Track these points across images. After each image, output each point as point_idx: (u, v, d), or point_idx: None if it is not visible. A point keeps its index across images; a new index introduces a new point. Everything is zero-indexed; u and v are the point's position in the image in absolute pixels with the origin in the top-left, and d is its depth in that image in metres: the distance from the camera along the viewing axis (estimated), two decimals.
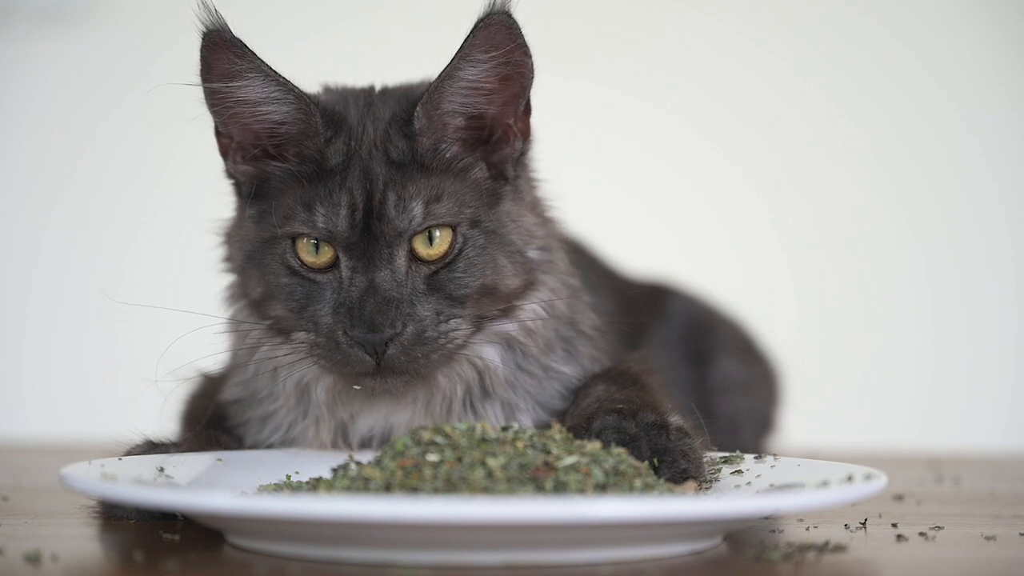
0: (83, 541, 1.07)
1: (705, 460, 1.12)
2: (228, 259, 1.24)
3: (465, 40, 1.10)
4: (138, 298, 2.24)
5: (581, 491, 0.97)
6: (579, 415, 1.15)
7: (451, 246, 1.14)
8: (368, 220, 1.12)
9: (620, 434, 1.10)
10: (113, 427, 1.33)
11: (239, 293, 1.21)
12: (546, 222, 1.24)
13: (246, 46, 1.11)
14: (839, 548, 1.01)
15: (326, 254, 1.14)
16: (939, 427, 2.22)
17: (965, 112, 2.47)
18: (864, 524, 1.11)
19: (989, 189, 2.47)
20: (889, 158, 2.48)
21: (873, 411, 2.34)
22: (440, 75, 1.12)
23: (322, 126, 1.14)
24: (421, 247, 1.13)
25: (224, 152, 1.20)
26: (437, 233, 1.13)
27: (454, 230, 1.14)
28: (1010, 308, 2.45)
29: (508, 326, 1.18)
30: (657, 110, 2.29)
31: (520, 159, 1.19)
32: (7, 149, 2.45)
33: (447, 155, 1.14)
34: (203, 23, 1.11)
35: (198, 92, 1.16)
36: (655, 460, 1.08)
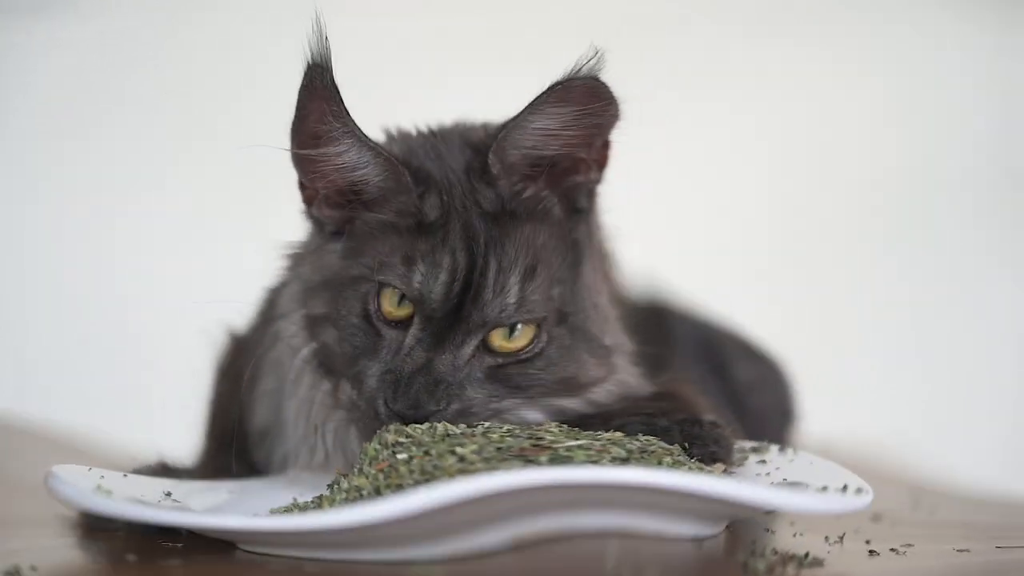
0: (63, 550, 1.06)
1: (736, 447, 1.15)
2: (294, 272, 1.21)
3: (538, 96, 1.08)
4: (136, 290, 2.30)
5: (594, 463, 0.99)
6: (597, 416, 1.15)
7: (531, 342, 1.11)
8: (463, 296, 1.08)
9: (648, 427, 1.11)
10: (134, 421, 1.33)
11: (300, 301, 1.19)
12: (611, 286, 1.23)
13: (342, 103, 1.09)
14: (816, 562, 1.05)
15: (406, 309, 1.11)
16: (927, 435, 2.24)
17: (964, 111, 2.51)
18: (842, 539, 1.16)
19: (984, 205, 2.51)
20: (883, 159, 2.52)
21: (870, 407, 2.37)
22: (507, 124, 1.10)
23: (412, 184, 1.12)
24: (497, 339, 1.11)
25: (308, 202, 1.18)
26: (519, 328, 1.11)
27: (539, 326, 1.11)
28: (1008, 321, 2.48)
29: (570, 402, 1.16)
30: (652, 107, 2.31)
31: (593, 189, 1.17)
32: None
33: (527, 194, 1.13)
34: (310, 54, 1.08)
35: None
36: (686, 444, 1.09)
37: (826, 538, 1.15)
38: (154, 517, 0.98)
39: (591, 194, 1.18)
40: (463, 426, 1.06)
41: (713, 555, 1.05)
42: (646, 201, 2.11)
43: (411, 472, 0.99)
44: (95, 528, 1.11)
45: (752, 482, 1.09)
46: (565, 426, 1.09)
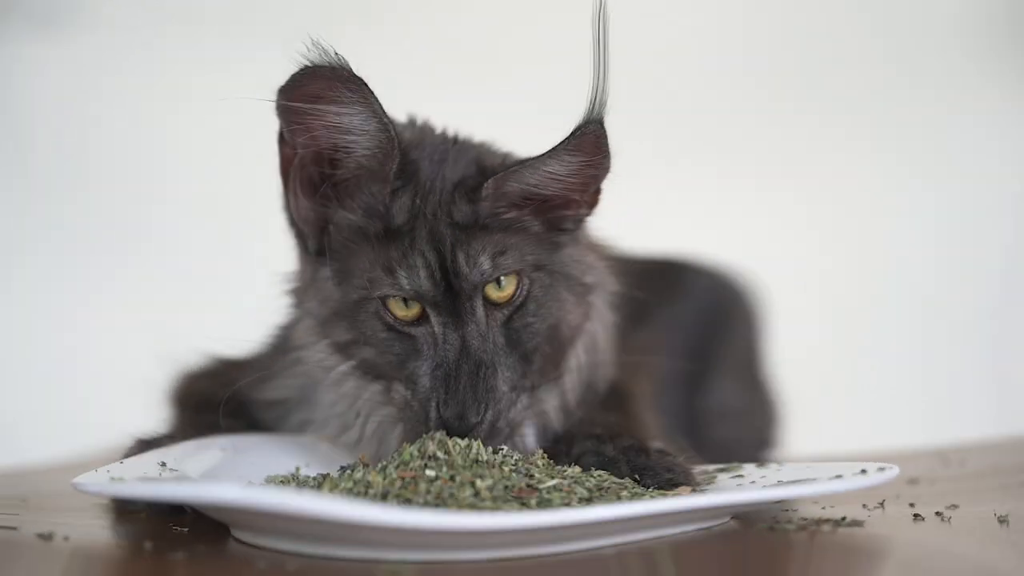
0: (96, 529, 1.08)
1: (696, 471, 1.14)
2: (301, 308, 1.24)
3: (561, 143, 1.11)
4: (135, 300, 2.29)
5: (567, 504, 1.02)
6: (563, 436, 1.20)
7: (518, 286, 1.16)
8: (447, 277, 1.14)
9: (599, 457, 1.14)
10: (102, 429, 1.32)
11: (319, 333, 1.21)
12: (603, 254, 1.26)
13: (365, 83, 1.10)
14: (856, 523, 1.01)
15: (415, 308, 1.16)
16: (939, 423, 2.20)
17: (966, 112, 2.47)
18: (882, 504, 1.11)
19: (992, 186, 2.47)
20: (889, 147, 2.48)
21: (873, 414, 2.33)
22: (524, 163, 1.14)
23: (395, 174, 1.14)
24: (492, 291, 1.16)
25: (284, 172, 1.18)
26: (503, 279, 1.16)
27: (519, 274, 1.17)
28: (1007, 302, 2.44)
29: (550, 401, 1.21)
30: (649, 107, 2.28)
31: (582, 220, 1.21)
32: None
33: (506, 216, 1.16)
34: (312, 60, 1.09)
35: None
36: (636, 476, 1.11)
37: (864, 505, 1.10)
38: (161, 493, 1.00)
39: (579, 223, 1.22)
40: (490, 451, 1.10)
41: (727, 531, 1.02)
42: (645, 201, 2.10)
43: (427, 492, 1.01)
44: (122, 511, 1.14)
45: (752, 487, 1.08)
46: (546, 457, 1.13)
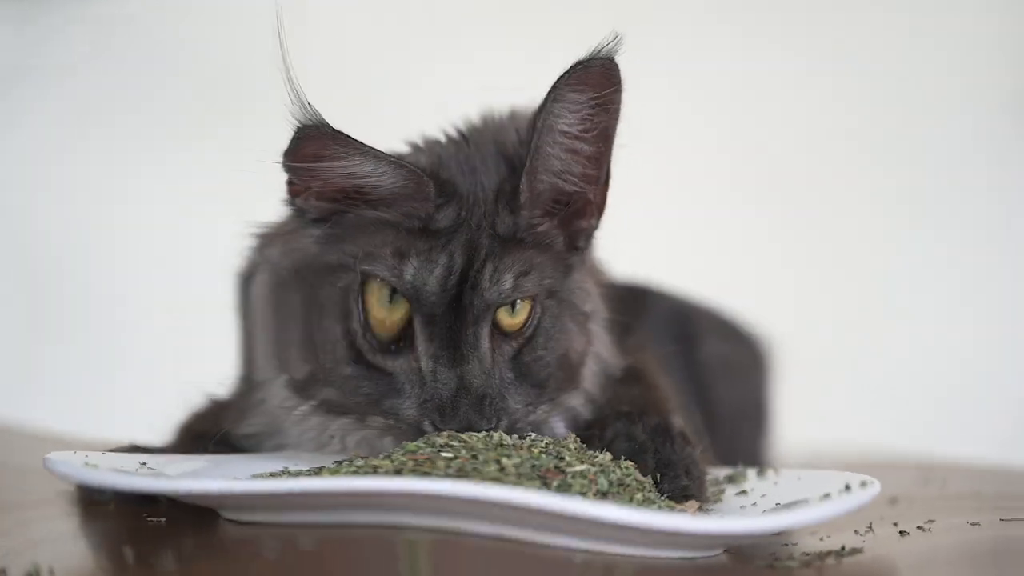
0: (70, 540, 1.03)
1: (708, 478, 1.13)
2: (262, 257, 1.16)
3: (559, 79, 1.05)
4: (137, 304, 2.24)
5: (583, 494, 0.99)
6: (593, 420, 1.16)
7: (530, 314, 1.10)
8: (460, 288, 1.06)
9: (630, 442, 1.10)
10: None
11: (278, 366, 1.13)
12: (599, 279, 1.25)
13: (349, 136, 1.04)
14: (856, 551, 1.02)
15: (398, 311, 1.07)
16: (929, 425, 2.25)
17: (966, 106, 2.48)
18: (871, 527, 1.13)
19: (986, 196, 2.50)
20: (879, 149, 2.50)
21: (865, 404, 2.36)
22: (537, 126, 1.07)
23: (435, 195, 1.08)
24: (504, 316, 1.09)
25: (294, 195, 1.11)
26: (518, 303, 1.10)
27: (533, 300, 1.11)
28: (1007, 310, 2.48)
29: (576, 399, 1.17)
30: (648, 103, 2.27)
31: (592, 235, 1.18)
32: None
33: (540, 229, 1.12)
34: (297, 119, 1.03)
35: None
36: (658, 474, 1.09)
37: (856, 531, 1.11)
38: (137, 484, 0.99)
39: (589, 238, 1.18)
40: (515, 437, 1.05)
41: (716, 565, 1.00)
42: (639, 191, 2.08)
43: (447, 468, 0.98)
44: (90, 502, 1.09)
45: (742, 516, 1.07)
46: (578, 441, 1.08)
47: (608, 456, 1.06)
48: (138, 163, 2.35)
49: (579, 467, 1.01)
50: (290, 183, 1.10)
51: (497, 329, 1.09)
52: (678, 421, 1.14)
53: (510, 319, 1.09)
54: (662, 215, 2.23)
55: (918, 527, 1.12)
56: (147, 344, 2.30)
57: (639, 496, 1.03)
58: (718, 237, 2.41)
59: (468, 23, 2.40)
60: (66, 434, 1.61)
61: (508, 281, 1.08)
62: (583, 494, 0.99)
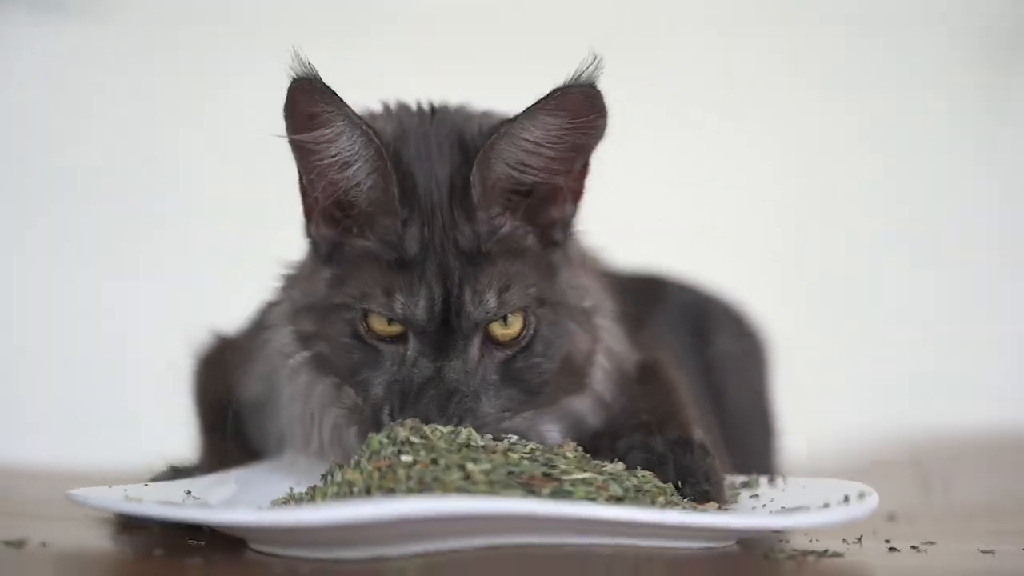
0: (88, 539, 1.09)
1: (726, 483, 1.15)
2: (287, 294, 1.24)
3: (536, 103, 1.08)
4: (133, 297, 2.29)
5: (592, 500, 0.99)
6: (605, 430, 1.18)
7: (524, 325, 1.13)
8: (447, 313, 1.11)
9: (648, 454, 1.12)
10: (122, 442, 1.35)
11: (289, 318, 1.21)
12: (592, 269, 1.26)
13: (333, 93, 1.09)
14: (836, 555, 1.07)
15: (397, 327, 1.13)
16: (925, 404, 2.24)
17: (964, 107, 2.51)
18: (860, 540, 1.16)
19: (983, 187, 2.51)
20: (879, 147, 2.52)
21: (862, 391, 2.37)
22: (501, 128, 1.10)
23: (399, 203, 1.13)
24: (497, 328, 1.13)
25: (309, 213, 1.18)
26: (510, 317, 1.13)
27: (525, 312, 1.13)
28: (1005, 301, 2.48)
29: (581, 403, 1.19)
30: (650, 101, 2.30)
31: (569, 223, 1.19)
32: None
33: (503, 230, 1.14)
34: (294, 71, 1.09)
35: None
36: (679, 482, 1.10)
37: (844, 540, 1.15)
38: (172, 514, 1.02)
39: (566, 228, 1.19)
40: (489, 437, 1.06)
41: (725, 553, 1.07)
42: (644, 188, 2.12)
43: (408, 479, 0.97)
44: (128, 525, 1.14)
45: (752, 514, 1.11)
46: (581, 450, 1.09)
47: (621, 466, 1.07)
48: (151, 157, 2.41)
49: (580, 475, 1.01)
50: (303, 194, 1.18)
51: (490, 339, 1.13)
52: (699, 433, 1.15)
53: (503, 330, 1.13)
54: (658, 208, 2.28)
55: (912, 547, 1.13)
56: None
57: (662, 499, 1.04)
58: (713, 234, 2.43)
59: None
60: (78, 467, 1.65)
61: (491, 300, 1.11)
62: (592, 500, 0.99)
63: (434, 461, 0.98)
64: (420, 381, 1.10)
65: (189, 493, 1.15)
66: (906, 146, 2.53)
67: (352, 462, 1.03)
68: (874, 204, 2.53)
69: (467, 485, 0.96)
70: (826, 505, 1.06)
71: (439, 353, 1.11)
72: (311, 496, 1.06)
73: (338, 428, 1.19)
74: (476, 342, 1.12)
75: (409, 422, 1.04)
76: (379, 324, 1.13)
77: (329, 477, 1.04)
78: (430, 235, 1.13)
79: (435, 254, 1.12)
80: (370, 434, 1.05)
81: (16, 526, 1.07)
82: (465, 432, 1.04)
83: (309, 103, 1.10)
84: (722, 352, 1.56)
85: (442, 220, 1.13)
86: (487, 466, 0.98)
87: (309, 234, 1.20)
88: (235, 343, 1.33)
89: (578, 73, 1.06)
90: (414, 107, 1.22)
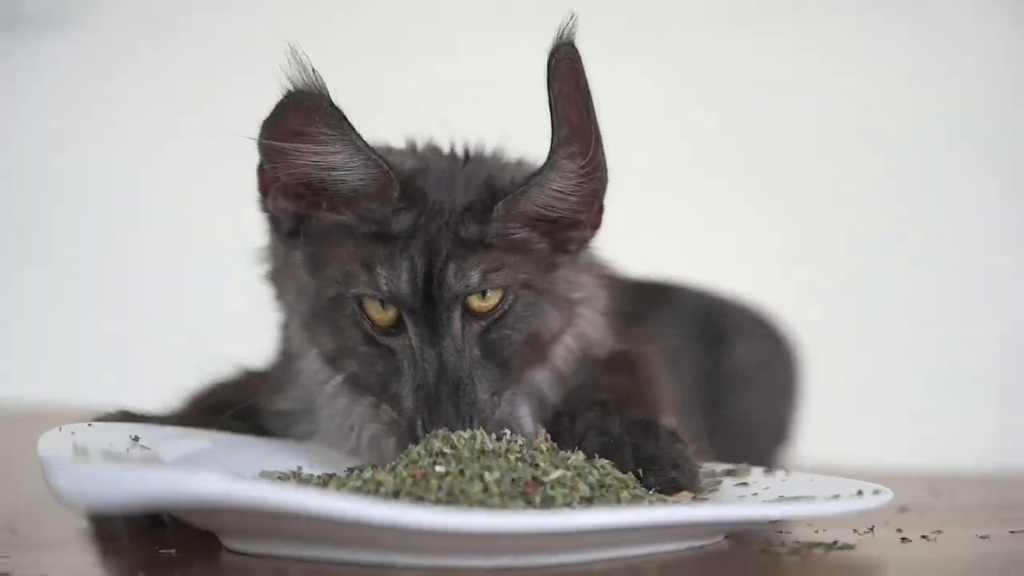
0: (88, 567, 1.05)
1: (702, 470, 1.10)
2: (283, 302, 1.22)
3: (554, 152, 1.08)
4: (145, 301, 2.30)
5: (568, 504, 0.98)
6: (564, 409, 1.16)
7: (502, 301, 1.13)
8: (428, 286, 1.11)
9: (603, 437, 1.09)
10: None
11: (310, 340, 1.19)
12: (598, 273, 1.24)
13: (344, 116, 1.05)
14: (846, 546, 1.01)
15: (391, 311, 1.12)
16: (934, 441, 2.21)
17: (965, 110, 2.47)
18: (872, 530, 1.12)
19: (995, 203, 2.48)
20: (889, 158, 2.48)
21: (873, 424, 2.33)
22: (530, 181, 1.11)
23: (398, 199, 1.11)
24: (474, 300, 1.13)
25: (264, 189, 1.15)
26: (489, 292, 1.13)
27: (505, 290, 1.14)
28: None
29: (541, 376, 1.19)
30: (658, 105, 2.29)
31: (587, 242, 1.20)
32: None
33: (514, 236, 1.14)
34: (294, 83, 1.03)
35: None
36: (639, 469, 1.06)
37: (855, 530, 1.11)
38: (127, 480, 0.85)
39: (582, 245, 1.19)
40: (494, 437, 1.06)
41: (718, 551, 1.01)
42: (650, 197, 2.10)
43: (439, 489, 0.98)
44: (102, 532, 1.09)
45: (740, 503, 1.06)
46: (549, 439, 1.08)
47: (581, 456, 1.05)
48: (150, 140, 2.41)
49: (555, 474, 1.00)
50: (260, 170, 1.13)
51: (468, 311, 1.13)
52: (667, 420, 1.12)
53: (479, 303, 1.13)
54: (658, 208, 2.24)
55: (923, 536, 1.10)
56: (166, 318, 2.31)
57: (625, 495, 1.01)
58: (720, 239, 2.42)
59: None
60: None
61: (474, 277, 1.11)
62: (568, 504, 0.98)
63: (461, 472, 1.00)
64: (434, 380, 1.11)
65: (136, 439, 1.07)
66: (906, 146, 2.49)
67: (388, 467, 1.04)
68: (874, 204, 2.49)
69: (486, 497, 0.97)
70: (836, 496, 1.02)
71: (432, 333, 1.12)
72: (324, 483, 1.04)
73: (377, 438, 1.18)
74: (456, 315, 1.12)
75: (441, 432, 1.06)
76: (375, 311, 1.12)
77: (357, 472, 1.05)
78: (426, 223, 1.12)
79: (424, 235, 1.11)
80: (410, 445, 1.06)
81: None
82: (480, 436, 1.05)
83: (304, 122, 1.06)
84: (738, 359, 1.53)
85: (447, 218, 1.12)
86: (498, 475, 0.99)
87: (266, 208, 1.15)
88: (264, 376, 1.28)
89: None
90: (446, 149, 1.22)
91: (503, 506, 0.96)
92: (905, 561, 1.01)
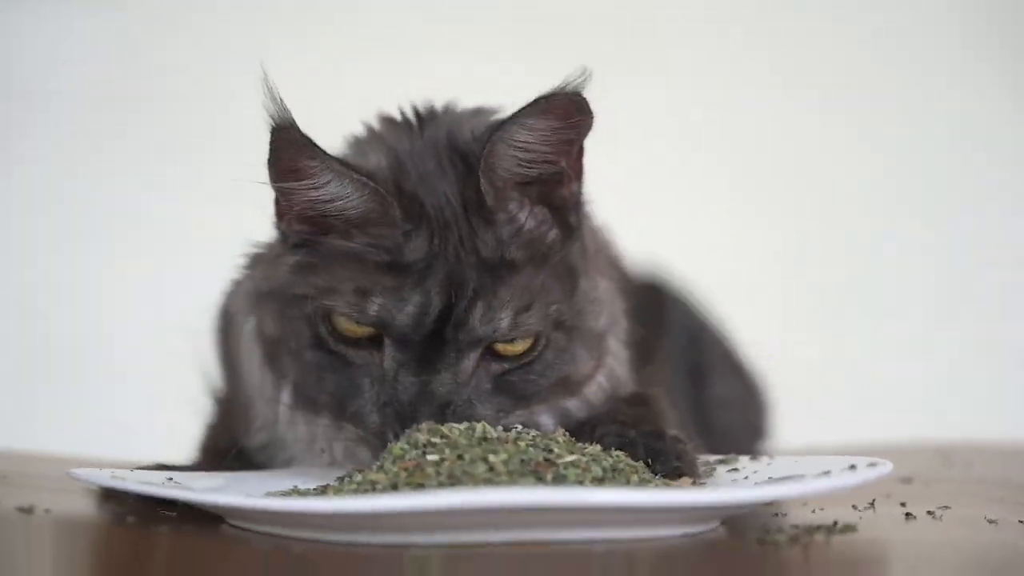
0: (80, 506, 1.09)
1: (699, 460, 1.13)
2: (248, 274, 1.19)
3: (523, 108, 1.05)
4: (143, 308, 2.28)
5: (580, 483, 0.98)
6: (587, 421, 1.15)
7: (533, 347, 1.08)
8: (441, 326, 1.04)
9: (620, 438, 1.09)
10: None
11: (252, 302, 1.15)
12: (607, 263, 1.22)
13: (316, 146, 1.03)
14: (848, 528, 0.98)
15: (367, 329, 1.06)
16: (941, 419, 2.20)
17: (964, 109, 2.47)
18: (872, 504, 1.10)
19: (989, 181, 2.47)
20: (884, 144, 2.48)
21: (869, 405, 2.32)
22: (493, 133, 1.05)
23: (401, 219, 1.06)
24: (500, 344, 1.07)
25: (279, 216, 1.12)
26: (519, 340, 1.08)
27: (537, 337, 1.08)
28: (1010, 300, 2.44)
29: (570, 403, 1.16)
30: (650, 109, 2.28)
31: (579, 203, 1.14)
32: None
33: (527, 226, 1.09)
34: (272, 117, 1.02)
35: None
36: (649, 460, 1.07)
37: (854, 506, 1.09)
38: (160, 492, 1.02)
39: (578, 208, 1.13)
40: (500, 429, 1.03)
41: (714, 540, 1.00)
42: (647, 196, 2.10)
43: (438, 474, 0.96)
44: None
45: (734, 486, 1.07)
46: (567, 434, 1.07)
47: (598, 447, 1.05)
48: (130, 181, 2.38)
49: (569, 457, 1.00)
50: (276, 202, 1.12)
51: (490, 351, 1.07)
52: (673, 432, 1.13)
53: (508, 347, 1.08)
54: (657, 208, 2.24)
55: (928, 512, 1.07)
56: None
57: (635, 478, 1.02)
58: (710, 238, 2.40)
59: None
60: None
61: (506, 320, 1.06)
62: (580, 483, 0.98)
63: (459, 457, 0.98)
64: (408, 399, 1.04)
65: (171, 479, 1.11)
66: (906, 146, 2.49)
67: (375, 466, 1.01)
68: (874, 204, 2.49)
69: (492, 476, 0.96)
70: (826, 473, 1.00)
71: (423, 366, 1.05)
72: (322, 493, 1.03)
73: (350, 448, 1.12)
74: (473, 356, 1.07)
75: (426, 425, 1.01)
76: (347, 324, 1.06)
77: (347, 478, 1.02)
78: (442, 246, 1.06)
79: (444, 263, 1.05)
80: (390, 445, 1.01)
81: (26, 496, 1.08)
82: (480, 426, 1.02)
83: (292, 156, 1.04)
84: (714, 400, 1.56)
85: (459, 232, 1.06)
86: (505, 456, 0.97)
87: (279, 228, 1.13)
88: (232, 408, 1.26)
89: (567, 83, 1.03)
90: (399, 118, 1.16)
91: (512, 484, 0.95)
92: (908, 546, 0.99)
